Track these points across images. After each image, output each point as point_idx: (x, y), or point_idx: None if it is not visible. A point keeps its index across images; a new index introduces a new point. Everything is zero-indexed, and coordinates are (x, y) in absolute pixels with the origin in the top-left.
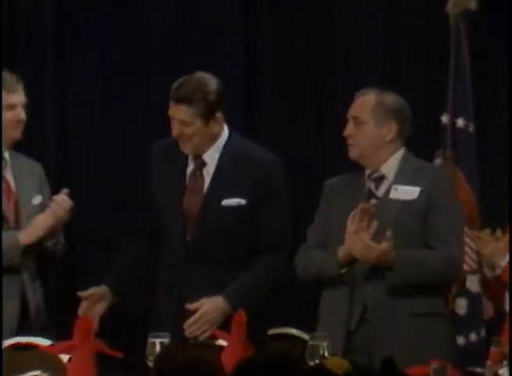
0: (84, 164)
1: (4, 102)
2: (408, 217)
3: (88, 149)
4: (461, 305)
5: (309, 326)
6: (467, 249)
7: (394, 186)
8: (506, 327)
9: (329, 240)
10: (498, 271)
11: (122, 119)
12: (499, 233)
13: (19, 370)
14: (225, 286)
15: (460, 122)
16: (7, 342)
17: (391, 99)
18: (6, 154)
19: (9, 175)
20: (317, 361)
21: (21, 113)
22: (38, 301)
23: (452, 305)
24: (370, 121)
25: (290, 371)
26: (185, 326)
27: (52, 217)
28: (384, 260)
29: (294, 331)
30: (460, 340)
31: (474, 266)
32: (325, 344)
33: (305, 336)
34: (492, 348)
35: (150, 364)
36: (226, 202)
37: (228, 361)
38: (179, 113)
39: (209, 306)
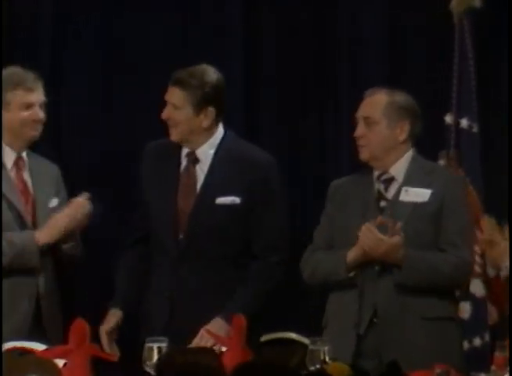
0: (80, 164)
1: (21, 100)
2: (419, 220)
3: (86, 149)
4: (465, 310)
5: (312, 330)
6: None
7: (404, 188)
8: None
9: (336, 243)
10: (504, 272)
11: (121, 119)
12: (506, 232)
13: (14, 375)
14: (218, 285)
15: (464, 122)
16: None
17: (402, 98)
18: (24, 154)
19: (26, 176)
20: (318, 366)
21: (38, 113)
22: (53, 304)
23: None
24: (382, 122)
25: None
26: None
27: (67, 218)
28: (393, 256)
29: (294, 336)
30: (464, 345)
31: (478, 270)
32: (326, 348)
33: (305, 340)
34: (497, 354)
35: (147, 369)
36: (220, 200)
37: (228, 366)
38: (172, 95)
39: (207, 337)
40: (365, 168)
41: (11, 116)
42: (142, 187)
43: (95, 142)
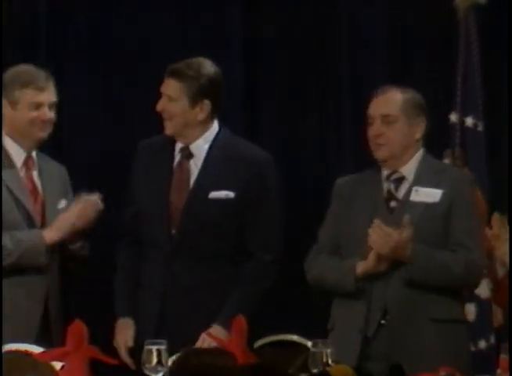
0: (81, 164)
1: (30, 100)
2: (430, 220)
3: (86, 149)
4: (470, 312)
5: (315, 332)
6: None
7: (414, 188)
8: None
9: (343, 243)
10: None
11: (121, 119)
12: None
13: None
14: (212, 282)
15: (469, 121)
16: None
17: (416, 95)
18: (34, 154)
19: (35, 176)
20: (320, 368)
21: (47, 113)
22: (59, 305)
23: None
24: (401, 119)
25: None
26: None
27: (76, 217)
28: (402, 252)
29: (295, 338)
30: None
31: (484, 271)
32: (328, 350)
33: (307, 342)
34: (502, 356)
35: (146, 371)
36: (214, 194)
37: None
38: (168, 87)
39: (207, 342)
40: (370, 167)
41: (19, 115)
42: (134, 186)
43: (95, 142)
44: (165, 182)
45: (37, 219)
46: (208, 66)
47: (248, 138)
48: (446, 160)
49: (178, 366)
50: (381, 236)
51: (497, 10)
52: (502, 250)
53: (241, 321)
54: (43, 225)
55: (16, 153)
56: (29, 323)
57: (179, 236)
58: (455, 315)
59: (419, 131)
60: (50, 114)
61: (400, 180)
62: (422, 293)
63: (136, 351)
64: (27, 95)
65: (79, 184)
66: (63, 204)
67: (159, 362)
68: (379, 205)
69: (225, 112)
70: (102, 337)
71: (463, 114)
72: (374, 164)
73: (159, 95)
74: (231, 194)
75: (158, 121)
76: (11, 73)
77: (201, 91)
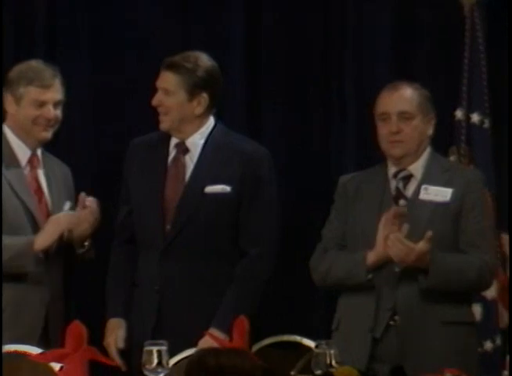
0: (81, 164)
1: (34, 97)
2: (441, 220)
3: (86, 149)
4: (476, 312)
5: (319, 333)
6: None
7: (423, 186)
8: None
9: (350, 242)
10: None
11: (121, 119)
12: None
13: None
14: (207, 280)
15: (475, 117)
16: None
17: (427, 91)
18: (39, 152)
19: (40, 175)
20: (323, 370)
21: (51, 111)
22: (60, 309)
23: None
24: (418, 116)
25: None
26: None
27: (67, 222)
28: (421, 262)
29: (299, 338)
30: None
31: None
32: (332, 352)
33: (311, 343)
34: (508, 358)
35: (146, 373)
36: (210, 189)
37: None
38: (165, 80)
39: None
40: (373, 165)
41: (22, 112)
42: (128, 184)
43: (95, 142)
44: (160, 179)
45: (41, 220)
46: (205, 59)
47: (252, 137)
48: (451, 158)
49: (194, 366)
50: (403, 250)
51: (503, 6)
52: None
53: (243, 322)
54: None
55: (21, 150)
56: (31, 327)
57: (174, 232)
58: (464, 317)
59: (430, 128)
60: (54, 113)
61: (408, 178)
62: (432, 295)
63: (133, 351)
64: (31, 93)
65: (79, 184)
66: (68, 205)
67: (159, 363)
68: (387, 204)
69: (227, 113)
70: (102, 338)
71: (469, 111)
72: (378, 162)
73: None
74: (227, 188)
75: (157, 121)
76: (18, 69)
77: (199, 83)
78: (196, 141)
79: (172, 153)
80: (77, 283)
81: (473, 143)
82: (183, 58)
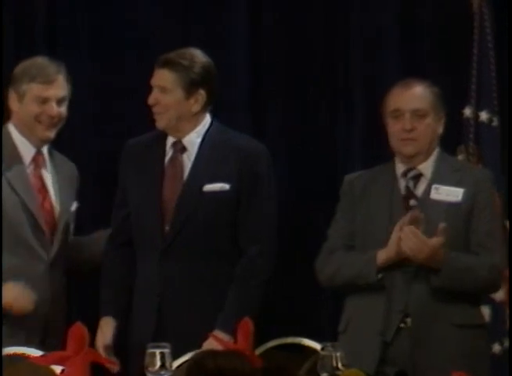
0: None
1: (36, 94)
2: (452, 220)
3: (86, 149)
4: (484, 315)
5: (325, 335)
6: None
7: (434, 186)
8: None
9: (359, 242)
10: None
11: (121, 119)
12: None
13: None
14: (207, 281)
15: (484, 115)
16: None
17: (437, 89)
18: (45, 150)
19: (45, 174)
20: (330, 372)
21: (53, 108)
22: (59, 314)
23: None
24: (431, 114)
25: None
26: None
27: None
28: (434, 259)
29: (304, 341)
30: None
31: None
32: (338, 354)
33: (316, 345)
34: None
35: (150, 375)
36: (208, 187)
37: None
38: (161, 78)
39: (211, 346)
40: (379, 164)
41: (25, 109)
42: (124, 187)
43: (95, 142)
44: (157, 179)
45: (42, 220)
46: (201, 56)
47: (256, 137)
48: (460, 157)
49: (192, 368)
50: (416, 244)
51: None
52: None
53: (247, 324)
54: (54, 226)
55: (25, 148)
56: (31, 328)
57: (173, 233)
58: (475, 319)
59: (441, 127)
60: (58, 110)
61: (418, 177)
62: (444, 297)
63: (135, 354)
64: (33, 89)
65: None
66: (74, 206)
67: (162, 365)
68: (397, 204)
69: (232, 113)
70: None
71: (478, 108)
72: (383, 161)
73: None
74: (226, 186)
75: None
76: (22, 65)
77: (196, 80)
78: (193, 139)
79: (169, 152)
80: (78, 286)
81: (481, 142)
82: (179, 55)
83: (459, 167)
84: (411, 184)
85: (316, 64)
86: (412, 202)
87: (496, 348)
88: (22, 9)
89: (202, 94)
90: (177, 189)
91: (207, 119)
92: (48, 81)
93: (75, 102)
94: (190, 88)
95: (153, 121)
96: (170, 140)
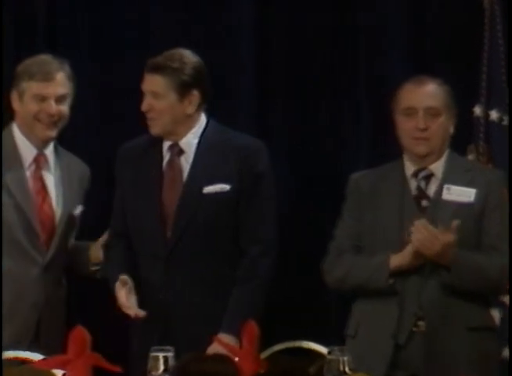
0: None
1: (35, 92)
2: (464, 220)
3: (86, 149)
4: (494, 317)
5: (332, 339)
6: None
7: (445, 186)
8: None
9: (367, 242)
10: None
11: (121, 119)
12: None
13: None
14: (210, 284)
15: (494, 114)
16: None
17: (448, 87)
18: (48, 151)
19: (46, 176)
20: None
21: (52, 106)
22: (55, 315)
23: None
24: (444, 112)
25: None
26: None
27: None
28: (444, 255)
29: (310, 344)
30: None
31: None
32: (345, 358)
33: (323, 349)
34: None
35: None
36: (208, 189)
37: None
38: (152, 83)
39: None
40: (387, 162)
41: (24, 108)
42: (122, 195)
43: (95, 141)
44: (156, 184)
45: (39, 221)
46: (190, 56)
47: (261, 138)
48: (470, 156)
49: (178, 371)
50: (428, 238)
51: None
52: None
53: (252, 327)
54: (49, 228)
55: (27, 149)
56: (23, 330)
57: (175, 238)
58: (487, 321)
59: (452, 126)
60: (57, 108)
61: (429, 177)
62: (457, 300)
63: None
64: (32, 87)
65: None
66: (79, 209)
67: (166, 369)
68: (408, 204)
69: (237, 113)
70: (106, 344)
71: (488, 107)
72: (388, 160)
73: None
74: (226, 187)
75: None
76: (24, 63)
77: (188, 82)
78: (190, 141)
79: (166, 156)
80: (79, 289)
81: (491, 141)
82: (167, 58)
83: (470, 167)
84: (423, 184)
85: (317, 64)
86: (424, 203)
87: (506, 353)
88: (22, 9)
89: (195, 95)
90: (177, 192)
91: (203, 119)
92: (47, 79)
93: (75, 102)
94: (183, 91)
95: None
96: (166, 143)
